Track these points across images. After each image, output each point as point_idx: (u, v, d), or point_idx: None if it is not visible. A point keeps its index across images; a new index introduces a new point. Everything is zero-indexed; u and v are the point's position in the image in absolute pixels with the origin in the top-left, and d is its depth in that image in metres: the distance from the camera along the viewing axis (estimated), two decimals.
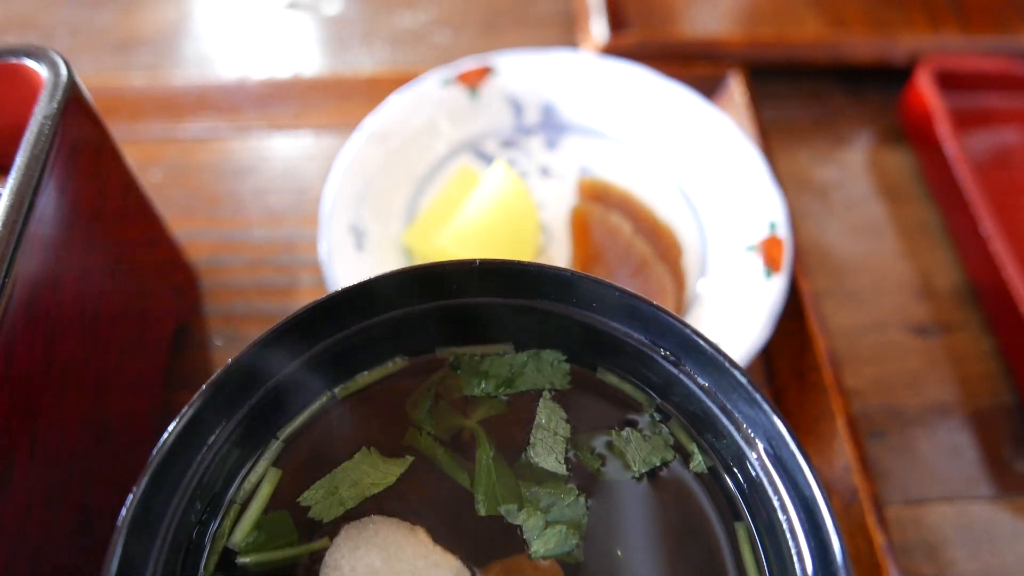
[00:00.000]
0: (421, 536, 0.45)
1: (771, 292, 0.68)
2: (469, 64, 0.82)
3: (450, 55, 0.93)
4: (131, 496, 0.40)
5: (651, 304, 0.46)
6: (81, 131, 0.56)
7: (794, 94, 0.96)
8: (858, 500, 0.63)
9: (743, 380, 0.44)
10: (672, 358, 0.48)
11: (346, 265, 0.68)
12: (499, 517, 0.47)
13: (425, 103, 0.79)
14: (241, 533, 0.46)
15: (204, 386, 0.42)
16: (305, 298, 0.76)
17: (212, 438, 0.45)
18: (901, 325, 0.81)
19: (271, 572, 0.45)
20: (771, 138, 0.90)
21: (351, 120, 0.84)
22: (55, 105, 0.52)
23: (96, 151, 0.59)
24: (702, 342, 0.45)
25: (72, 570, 0.50)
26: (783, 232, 0.72)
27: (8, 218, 0.46)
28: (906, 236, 0.87)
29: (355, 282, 0.47)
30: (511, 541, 0.46)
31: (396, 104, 0.78)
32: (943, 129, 0.86)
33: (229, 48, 0.96)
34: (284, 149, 0.85)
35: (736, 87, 0.87)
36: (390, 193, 0.75)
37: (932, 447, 0.74)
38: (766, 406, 0.43)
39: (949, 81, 0.91)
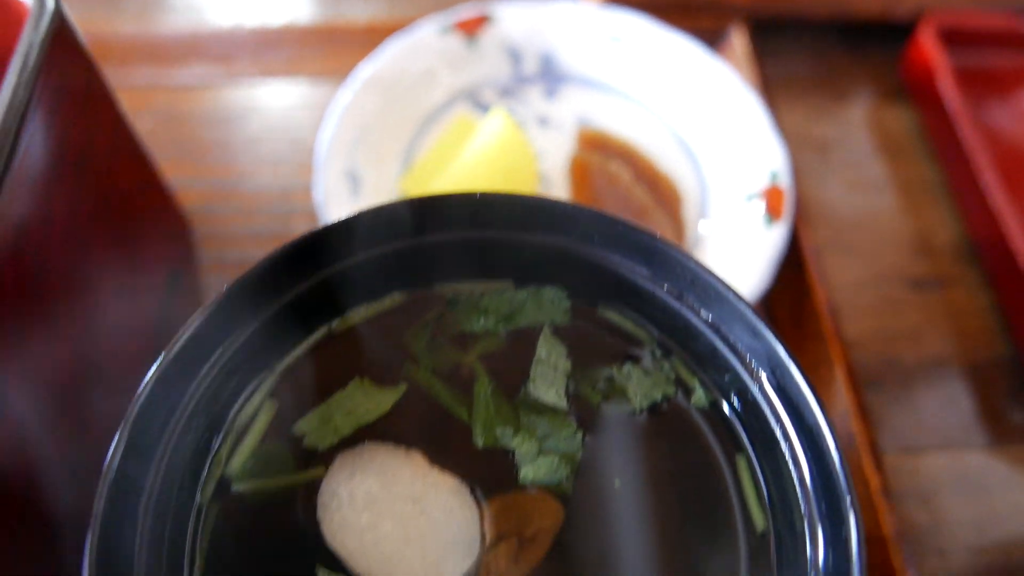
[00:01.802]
0: (417, 459, 0.45)
1: (772, 240, 0.68)
2: (467, 12, 0.80)
3: (448, 2, 0.91)
4: (128, 411, 0.39)
5: (654, 236, 0.46)
6: (68, 63, 0.54)
7: (796, 50, 0.95)
8: (855, 445, 0.63)
9: (746, 311, 0.44)
10: (675, 291, 0.47)
11: (342, 211, 0.67)
12: (497, 449, 0.46)
13: (422, 51, 0.78)
14: (238, 462, 0.45)
15: (200, 309, 0.42)
16: None
17: (207, 365, 0.44)
18: (900, 279, 0.80)
19: (268, 501, 0.45)
20: (772, 94, 0.89)
21: (346, 69, 0.82)
22: (41, 34, 0.50)
23: (85, 86, 0.57)
24: (705, 274, 0.45)
25: (64, 497, 0.50)
26: (784, 182, 0.71)
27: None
28: (906, 193, 0.87)
29: (356, 211, 0.46)
30: (510, 473, 0.46)
31: (393, 51, 0.77)
32: (945, 85, 0.85)
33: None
34: (278, 98, 0.84)
35: (738, 41, 0.86)
36: (386, 140, 0.74)
37: (929, 397, 0.74)
38: (769, 335, 0.43)
39: (953, 37, 0.90)
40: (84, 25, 0.86)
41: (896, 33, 0.94)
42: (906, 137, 0.91)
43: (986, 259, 0.81)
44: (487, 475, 0.45)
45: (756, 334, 0.44)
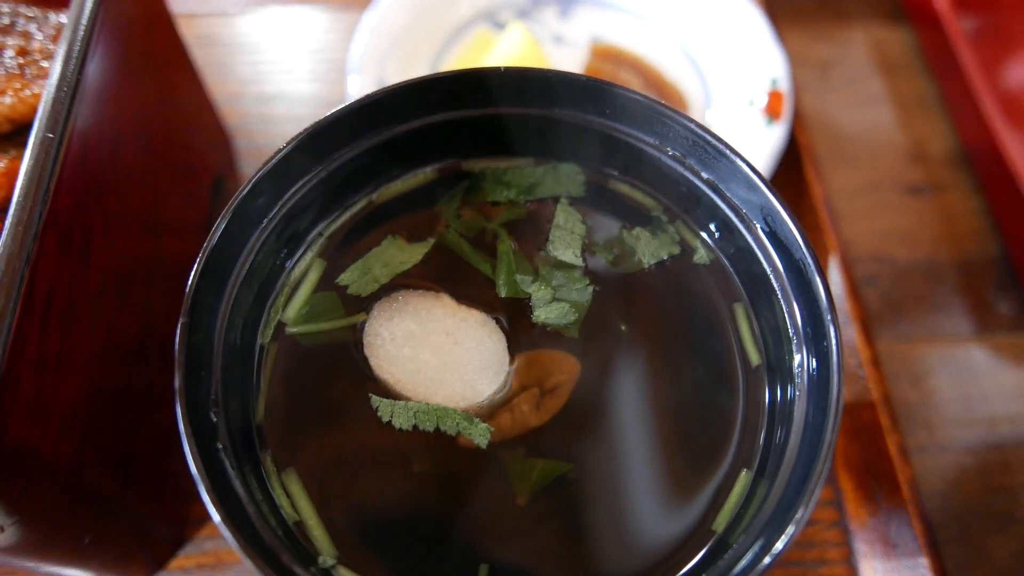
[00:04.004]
0: (446, 300, 0.51)
1: (771, 139, 0.73)
2: None
3: None
4: (203, 250, 0.45)
5: (659, 102, 0.51)
6: None
7: None
8: (849, 322, 0.68)
9: (742, 164, 0.49)
10: (678, 156, 0.53)
11: None
12: (518, 300, 0.52)
13: None
14: (293, 309, 0.52)
15: (263, 164, 0.47)
16: None
17: (263, 223, 0.50)
18: (896, 186, 0.85)
19: (321, 342, 0.51)
20: (776, 17, 0.93)
21: None
22: None
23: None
24: (706, 133, 0.50)
25: (141, 340, 0.56)
26: (784, 86, 0.76)
27: (76, 26, 0.51)
28: (903, 107, 0.91)
29: (392, 84, 0.51)
30: (526, 315, 0.52)
31: None
32: (942, 3, 0.89)
33: None
34: (311, 22, 0.89)
35: None
36: (414, 54, 0.79)
37: (921, 292, 0.79)
38: (763, 186, 0.48)
39: None
40: None
41: None
42: (903, 55, 0.95)
43: (978, 165, 0.85)
44: (512, 324, 0.51)
45: (751, 186, 0.49)
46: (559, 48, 0.84)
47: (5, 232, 0.42)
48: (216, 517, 0.38)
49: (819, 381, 0.44)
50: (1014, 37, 0.93)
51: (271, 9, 0.90)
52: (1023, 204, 0.78)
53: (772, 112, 0.74)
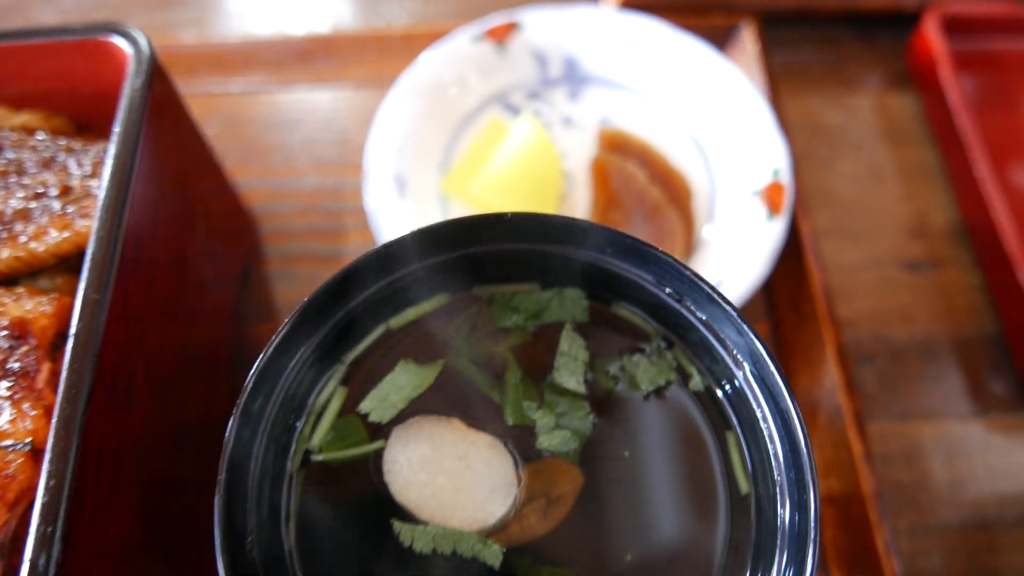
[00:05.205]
0: (457, 424, 0.56)
1: (771, 233, 0.76)
2: (497, 20, 0.88)
3: (478, 6, 0.98)
4: (238, 400, 0.49)
5: (657, 250, 0.54)
6: (161, 96, 0.64)
7: (806, 40, 1.01)
8: (842, 416, 0.72)
9: (733, 313, 0.52)
10: (675, 295, 0.56)
11: (390, 212, 0.77)
12: (525, 426, 0.56)
13: (456, 59, 0.86)
14: (318, 438, 0.56)
15: (291, 315, 0.51)
16: (352, 240, 0.85)
17: (293, 361, 0.55)
18: (896, 261, 0.88)
19: (344, 469, 0.56)
20: (781, 84, 0.95)
21: (387, 74, 0.90)
22: (142, 78, 0.60)
23: (174, 113, 0.67)
24: (700, 282, 0.53)
25: (181, 434, 0.61)
26: (785, 178, 0.79)
27: (115, 179, 0.55)
28: (907, 177, 0.93)
29: (407, 232, 0.55)
30: (531, 442, 0.56)
31: (430, 61, 0.85)
32: (945, 73, 0.91)
33: (269, 2, 1.02)
34: (327, 102, 0.93)
35: (748, 36, 0.92)
36: (427, 144, 0.83)
37: (918, 371, 0.82)
38: (751, 334, 0.52)
39: (956, 26, 0.95)
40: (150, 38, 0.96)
41: (903, 22, 0.98)
42: (909, 123, 0.96)
43: (977, 240, 0.88)
44: (519, 447, 0.56)
45: (741, 332, 0.53)
46: (568, 131, 0.87)
47: (58, 404, 0.46)
48: None
49: (798, 533, 0.48)
50: (1016, 111, 0.95)
51: (289, 89, 0.94)
52: (1017, 284, 0.80)
53: (772, 206, 0.77)
